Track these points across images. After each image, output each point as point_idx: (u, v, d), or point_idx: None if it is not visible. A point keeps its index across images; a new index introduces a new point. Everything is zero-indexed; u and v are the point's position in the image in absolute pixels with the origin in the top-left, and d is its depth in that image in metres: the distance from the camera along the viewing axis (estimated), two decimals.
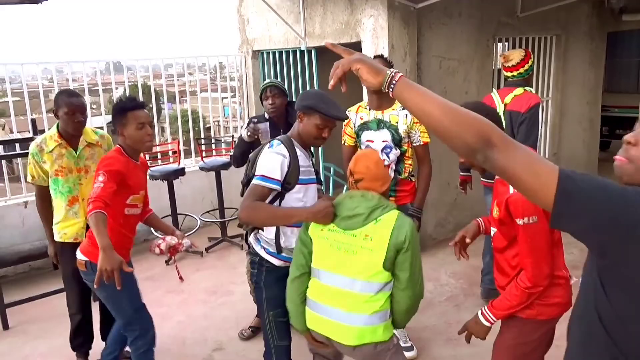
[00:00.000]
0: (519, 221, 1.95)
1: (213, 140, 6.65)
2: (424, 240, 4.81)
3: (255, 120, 3.49)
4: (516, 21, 5.45)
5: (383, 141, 3.07)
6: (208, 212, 5.86)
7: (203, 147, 5.86)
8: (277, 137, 2.42)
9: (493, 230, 2.21)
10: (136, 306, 2.76)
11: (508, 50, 5.46)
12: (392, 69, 1.21)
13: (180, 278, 3.20)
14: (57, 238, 3.10)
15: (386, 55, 4.36)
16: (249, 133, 3.36)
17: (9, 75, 5.12)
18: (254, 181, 2.29)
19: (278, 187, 2.29)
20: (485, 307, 2.13)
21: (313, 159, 2.58)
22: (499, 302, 2.09)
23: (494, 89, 3.99)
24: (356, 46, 4.74)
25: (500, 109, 3.58)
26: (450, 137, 1.12)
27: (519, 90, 3.59)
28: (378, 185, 2.16)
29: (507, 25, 5.41)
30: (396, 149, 3.09)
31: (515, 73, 3.62)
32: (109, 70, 5.83)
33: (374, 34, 4.50)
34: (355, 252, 2.08)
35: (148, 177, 3.00)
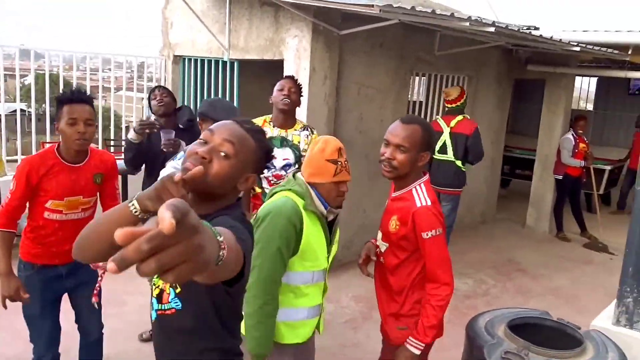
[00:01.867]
0: (426, 234, 2.01)
1: (123, 143, 6.37)
2: None
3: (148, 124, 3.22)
4: (433, 59, 5.73)
5: (284, 159, 3.22)
6: None
7: (112, 150, 5.60)
8: (185, 148, 2.42)
9: (383, 245, 2.23)
10: (28, 313, 2.56)
11: (423, 84, 5.77)
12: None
13: (95, 297, 2.70)
14: None
15: (307, 76, 4.44)
16: (136, 129, 3.13)
17: None
18: None
19: None
20: (409, 337, 2.06)
21: None
22: (421, 326, 2.03)
23: (438, 117, 5.29)
24: (279, 64, 4.77)
25: (446, 132, 4.89)
26: None
27: (459, 117, 4.91)
28: (306, 172, 2.03)
29: (425, 61, 5.68)
30: (295, 167, 3.22)
31: (454, 105, 4.95)
32: (20, 56, 5.46)
33: (297, 54, 4.55)
34: None
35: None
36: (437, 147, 4.87)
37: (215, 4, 5.27)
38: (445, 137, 4.88)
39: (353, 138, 5.01)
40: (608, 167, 7.46)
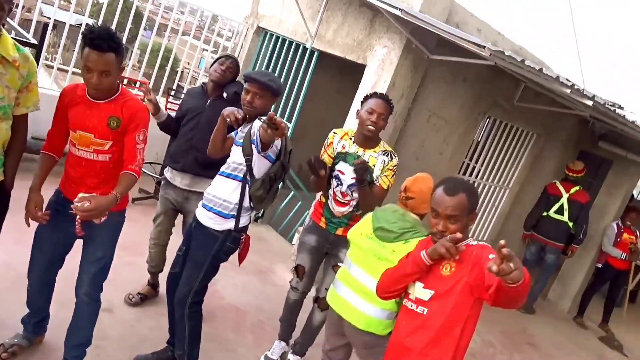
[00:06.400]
0: (493, 255, 1.87)
1: (184, 93, 6.35)
2: None
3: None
4: (511, 107, 5.56)
5: (352, 178, 3.03)
6: (149, 163, 5.58)
7: (171, 99, 5.60)
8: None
9: (426, 293, 2.08)
10: (36, 234, 2.51)
11: (499, 132, 5.64)
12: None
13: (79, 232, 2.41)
14: None
15: (384, 89, 4.32)
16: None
17: None
18: None
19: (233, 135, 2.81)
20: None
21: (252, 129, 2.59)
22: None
23: (557, 181, 6.07)
24: (359, 67, 4.67)
25: (565, 197, 5.88)
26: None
27: (578, 187, 5.89)
28: (424, 207, 2.50)
29: (501, 107, 5.50)
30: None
31: (578, 175, 5.90)
32: None
33: (381, 65, 4.44)
34: (380, 260, 2.44)
35: None
36: (555, 209, 5.92)
37: None
38: (564, 201, 5.90)
39: (409, 164, 4.88)
40: None
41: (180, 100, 6.06)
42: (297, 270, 3.30)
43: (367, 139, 3.05)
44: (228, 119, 2.63)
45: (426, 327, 2.06)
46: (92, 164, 2.40)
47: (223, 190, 2.66)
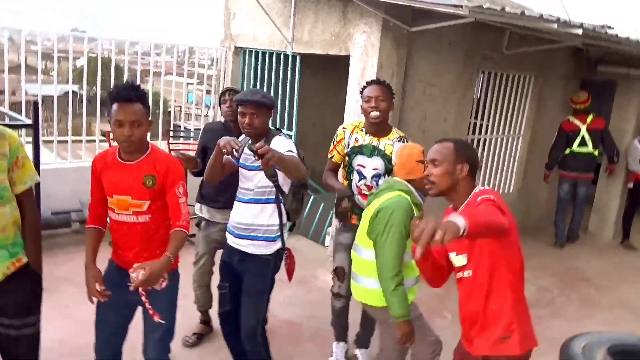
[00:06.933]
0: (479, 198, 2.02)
1: (182, 130, 6.42)
2: None
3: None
4: (500, 57, 5.52)
5: (374, 169, 3.08)
6: None
7: (171, 139, 5.65)
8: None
9: (461, 261, 2.14)
10: (97, 308, 2.46)
11: (495, 83, 5.62)
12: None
13: (153, 315, 2.34)
14: None
15: (374, 73, 4.33)
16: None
17: None
18: None
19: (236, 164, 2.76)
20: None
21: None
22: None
23: (570, 117, 6.11)
24: (344, 60, 4.69)
25: (583, 128, 5.93)
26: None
27: (592, 116, 5.97)
28: (402, 173, 2.62)
29: (492, 60, 5.48)
30: (385, 178, 3.08)
31: (585, 106, 5.98)
32: (74, 39, 5.54)
33: (364, 50, 4.45)
34: (363, 222, 2.65)
35: None
36: (577, 142, 5.97)
37: None
38: (583, 133, 5.96)
39: (415, 138, 4.85)
40: None
41: (181, 137, 6.15)
42: (337, 272, 3.29)
43: (378, 127, 3.10)
44: (225, 150, 2.49)
45: (477, 284, 2.12)
46: (133, 227, 2.36)
47: (262, 216, 2.67)
